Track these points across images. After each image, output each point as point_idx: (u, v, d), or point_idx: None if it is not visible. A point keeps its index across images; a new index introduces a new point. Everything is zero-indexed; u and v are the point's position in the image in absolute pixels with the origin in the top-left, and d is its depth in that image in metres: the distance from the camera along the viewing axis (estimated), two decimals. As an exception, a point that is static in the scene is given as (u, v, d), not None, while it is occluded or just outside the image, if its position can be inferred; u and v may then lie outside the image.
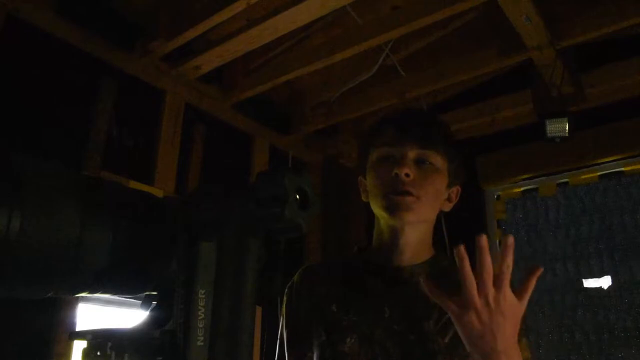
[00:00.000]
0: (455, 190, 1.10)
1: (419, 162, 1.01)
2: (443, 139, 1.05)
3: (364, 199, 1.10)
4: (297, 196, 0.47)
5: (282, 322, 1.10)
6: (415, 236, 1.04)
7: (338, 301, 1.03)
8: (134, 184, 2.02)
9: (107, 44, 2.04)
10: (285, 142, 2.87)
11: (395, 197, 0.99)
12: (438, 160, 1.03)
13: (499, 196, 2.75)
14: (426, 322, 0.98)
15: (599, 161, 2.47)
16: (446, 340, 0.96)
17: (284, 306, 1.11)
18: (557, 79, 2.26)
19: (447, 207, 1.09)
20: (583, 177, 2.52)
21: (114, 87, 2.09)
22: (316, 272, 1.14)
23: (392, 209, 1.00)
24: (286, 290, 1.11)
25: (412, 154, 1.01)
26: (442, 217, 1.12)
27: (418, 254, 1.05)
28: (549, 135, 2.28)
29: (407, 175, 0.98)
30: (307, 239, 2.87)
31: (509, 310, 0.78)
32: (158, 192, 2.08)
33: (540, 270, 0.81)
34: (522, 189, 2.69)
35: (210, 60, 2.20)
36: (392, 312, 1.00)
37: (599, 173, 2.49)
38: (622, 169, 2.44)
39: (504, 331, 0.78)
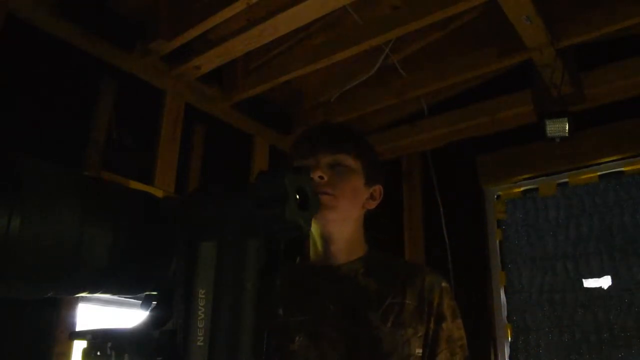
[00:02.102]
0: (378, 189, 1.19)
1: (334, 166, 1.11)
2: (353, 142, 1.15)
3: None
4: (297, 196, 0.47)
5: None
6: (343, 234, 1.13)
7: (284, 304, 1.08)
8: (134, 184, 2.02)
9: (107, 44, 2.04)
10: (285, 142, 2.87)
11: None
12: (350, 162, 1.12)
13: (499, 196, 2.75)
14: (368, 311, 1.05)
15: (599, 161, 2.46)
16: (388, 325, 1.04)
17: None
18: (557, 79, 2.26)
19: (372, 205, 1.18)
20: (583, 177, 2.52)
21: (114, 87, 2.09)
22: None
23: None
24: None
25: (325, 160, 1.11)
26: (442, 217, 1.16)
27: (352, 251, 1.14)
28: (549, 135, 2.28)
29: (320, 177, 1.08)
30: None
31: None
32: (158, 192, 2.08)
33: None
34: (522, 189, 2.69)
35: (210, 60, 2.20)
36: (336, 307, 1.07)
37: (599, 173, 2.49)
38: (622, 169, 2.44)
39: None
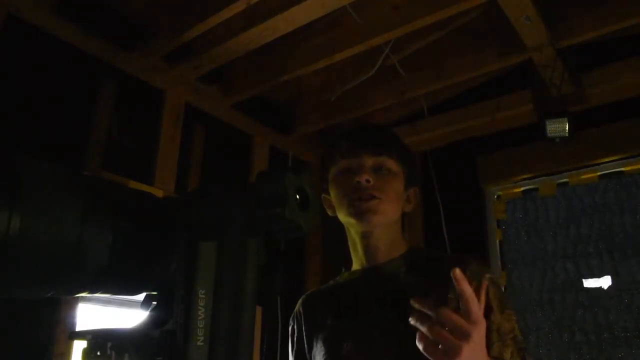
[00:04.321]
0: (413, 191, 1.18)
1: (376, 169, 1.10)
2: (395, 146, 1.15)
3: (330, 214, 1.18)
4: (297, 196, 0.47)
5: (290, 348, 1.19)
6: (385, 237, 1.12)
7: (333, 314, 1.12)
8: (134, 184, 2.02)
9: (107, 44, 2.04)
10: (285, 142, 2.87)
11: (361, 202, 1.07)
12: (393, 165, 1.12)
13: (499, 196, 2.75)
14: (412, 308, 1.03)
15: (599, 161, 2.47)
16: None
17: (290, 334, 1.21)
18: (557, 79, 2.26)
19: (408, 208, 1.18)
20: (583, 177, 2.52)
21: (114, 87, 2.09)
22: (314, 296, 1.24)
23: (360, 214, 1.08)
24: (290, 319, 1.22)
25: (368, 162, 1.10)
26: (442, 217, 1.17)
27: (392, 251, 1.13)
28: (549, 135, 2.28)
29: (367, 181, 1.07)
30: (307, 239, 2.87)
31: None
32: (158, 192, 2.08)
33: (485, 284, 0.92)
34: (522, 189, 2.69)
35: (210, 60, 2.20)
36: (381, 308, 1.07)
37: (599, 173, 2.49)
38: (622, 169, 2.44)
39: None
